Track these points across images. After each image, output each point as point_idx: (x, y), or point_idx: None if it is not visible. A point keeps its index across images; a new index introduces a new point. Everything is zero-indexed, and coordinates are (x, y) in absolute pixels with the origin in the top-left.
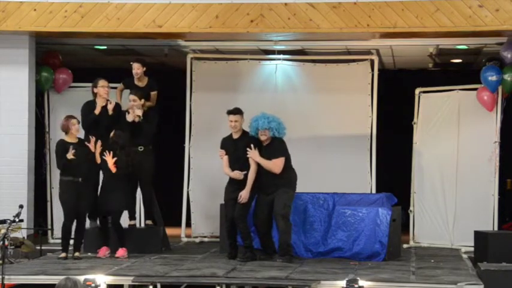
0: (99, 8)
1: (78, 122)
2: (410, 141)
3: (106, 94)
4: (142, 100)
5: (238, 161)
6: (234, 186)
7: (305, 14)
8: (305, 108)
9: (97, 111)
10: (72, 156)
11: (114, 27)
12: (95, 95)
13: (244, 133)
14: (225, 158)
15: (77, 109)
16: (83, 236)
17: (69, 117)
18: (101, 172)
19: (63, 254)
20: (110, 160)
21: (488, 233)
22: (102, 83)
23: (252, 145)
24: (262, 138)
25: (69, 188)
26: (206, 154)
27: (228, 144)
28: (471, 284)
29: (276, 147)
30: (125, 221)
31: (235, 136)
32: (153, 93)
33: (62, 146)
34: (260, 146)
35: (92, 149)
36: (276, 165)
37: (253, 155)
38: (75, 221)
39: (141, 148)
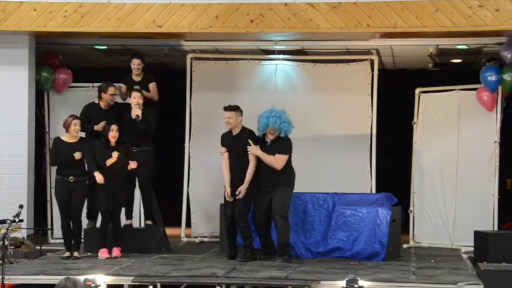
0: (99, 8)
1: (80, 125)
2: (410, 141)
3: (112, 101)
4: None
5: (238, 156)
6: (234, 184)
7: (305, 14)
8: (305, 108)
9: (97, 127)
10: (79, 157)
11: (114, 27)
12: (99, 97)
13: (243, 129)
14: (226, 155)
15: (76, 109)
16: (80, 236)
17: (73, 116)
18: None
19: (67, 253)
20: (112, 160)
21: (488, 233)
22: (111, 90)
23: (251, 141)
24: (270, 136)
25: (60, 186)
26: (206, 154)
27: (227, 140)
28: (471, 284)
29: (282, 144)
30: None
31: (235, 132)
32: (152, 85)
33: (55, 145)
34: (260, 141)
35: (111, 161)
36: (278, 160)
37: (253, 150)
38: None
39: (135, 149)
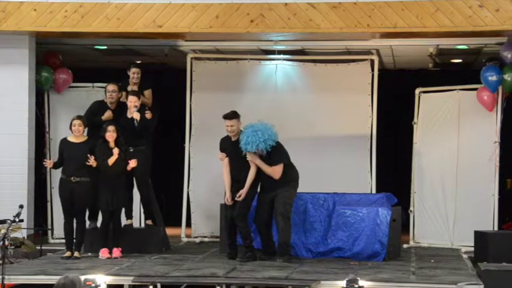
0: (99, 8)
1: (81, 125)
2: (410, 141)
3: (111, 98)
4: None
5: (238, 160)
6: (235, 186)
7: (305, 14)
8: (305, 108)
9: (104, 117)
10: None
11: (114, 27)
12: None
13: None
14: (226, 160)
15: (77, 109)
16: (82, 236)
17: (75, 116)
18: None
19: (68, 253)
20: (114, 157)
21: (488, 233)
22: (108, 86)
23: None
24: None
25: (63, 185)
26: (206, 154)
27: (227, 145)
28: (471, 284)
29: (274, 154)
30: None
31: (234, 138)
32: (147, 92)
33: (60, 145)
34: None
35: (114, 158)
36: (275, 171)
37: (252, 158)
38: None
39: (131, 148)
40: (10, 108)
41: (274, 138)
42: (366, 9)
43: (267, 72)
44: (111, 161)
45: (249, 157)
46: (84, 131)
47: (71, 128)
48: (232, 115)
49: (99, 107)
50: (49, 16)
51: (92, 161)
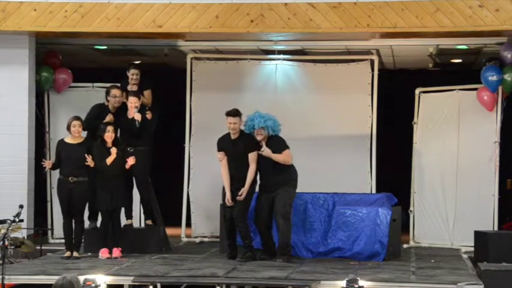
0: (99, 8)
1: (80, 125)
2: (410, 141)
3: (117, 103)
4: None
5: (237, 159)
6: (234, 185)
7: (305, 14)
8: (305, 108)
9: (106, 121)
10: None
11: (114, 27)
12: (107, 99)
13: (242, 133)
14: (224, 160)
15: (77, 109)
16: (81, 236)
17: (73, 117)
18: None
19: (68, 253)
20: (112, 157)
21: (488, 233)
22: (113, 91)
23: (252, 144)
24: (259, 138)
25: (61, 186)
26: (206, 154)
27: (226, 144)
28: (471, 284)
29: (277, 142)
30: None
31: (234, 136)
32: (146, 92)
33: (57, 146)
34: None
35: (112, 157)
36: (287, 156)
37: (266, 152)
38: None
39: (131, 149)
40: (10, 108)
41: (279, 126)
42: (366, 9)
43: (267, 72)
44: (109, 160)
45: (263, 152)
46: (82, 131)
47: (68, 129)
48: (236, 112)
49: (99, 110)
50: (49, 16)
51: (89, 161)
